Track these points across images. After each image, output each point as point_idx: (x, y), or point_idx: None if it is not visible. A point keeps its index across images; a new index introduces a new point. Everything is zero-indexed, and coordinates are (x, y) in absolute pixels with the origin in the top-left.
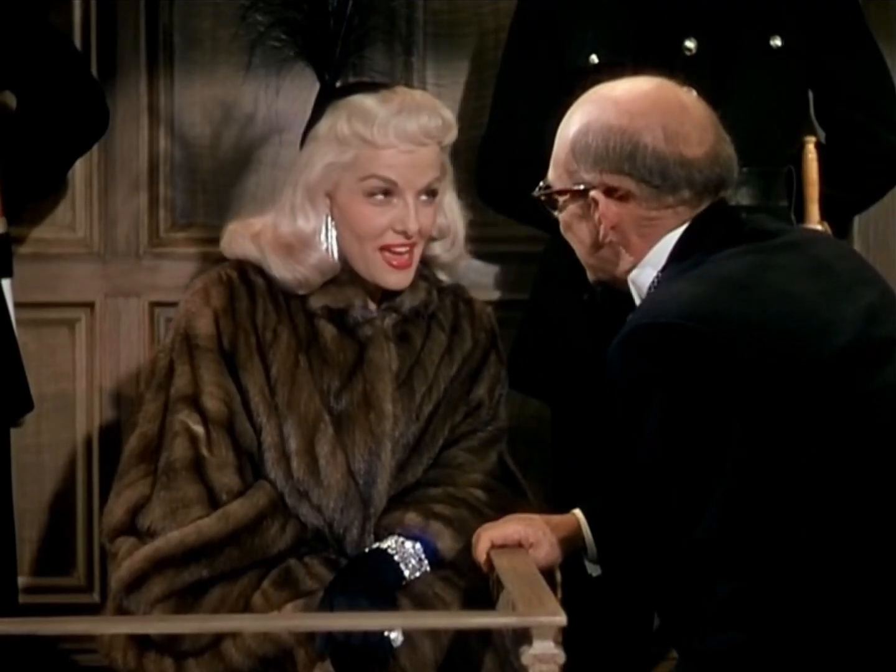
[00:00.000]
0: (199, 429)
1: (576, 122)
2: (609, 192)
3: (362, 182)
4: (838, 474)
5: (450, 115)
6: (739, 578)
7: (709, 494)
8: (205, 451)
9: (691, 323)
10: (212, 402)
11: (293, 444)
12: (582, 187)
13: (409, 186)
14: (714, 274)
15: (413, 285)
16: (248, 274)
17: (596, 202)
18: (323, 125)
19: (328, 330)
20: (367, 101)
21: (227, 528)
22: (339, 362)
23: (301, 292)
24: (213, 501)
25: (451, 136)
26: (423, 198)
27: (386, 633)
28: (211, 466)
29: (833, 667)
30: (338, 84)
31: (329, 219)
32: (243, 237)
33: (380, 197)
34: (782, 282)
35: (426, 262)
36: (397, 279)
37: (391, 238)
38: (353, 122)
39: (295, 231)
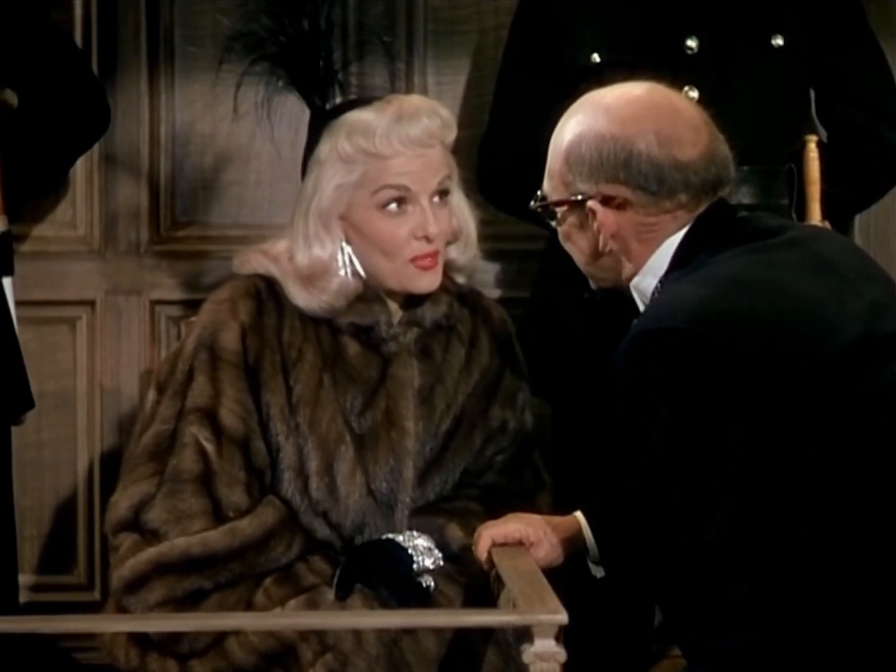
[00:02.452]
0: (209, 444)
1: (568, 131)
2: (606, 200)
3: (375, 195)
4: (843, 473)
5: (447, 114)
6: (750, 580)
7: (717, 496)
8: (215, 466)
9: (697, 326)
10: (230, 419)
11: (312, 465)
12: (579, 198)
13: (422, 190)
14: (717, 275)
15: (434, 298)
16: (275, 286)
17: (594, 212)
18: (323, 149)
19: (352, 347)
20: (363, 114)
21: (233, 544)
22: (364, 379)
23: (329, 317)
24: (218, 516)
25: (452, 133)
26: (437, 200)
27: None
28: (220, 482)
29: (842, 669)
30: (328, 106)
31: (344, 243)
32: (263, 257)
33: (394, 207)
34: (786, 280)
35: (444, 269)
36: (428, 281)
37: (416, 248)
38: (355, 139)
39: (312, 261)
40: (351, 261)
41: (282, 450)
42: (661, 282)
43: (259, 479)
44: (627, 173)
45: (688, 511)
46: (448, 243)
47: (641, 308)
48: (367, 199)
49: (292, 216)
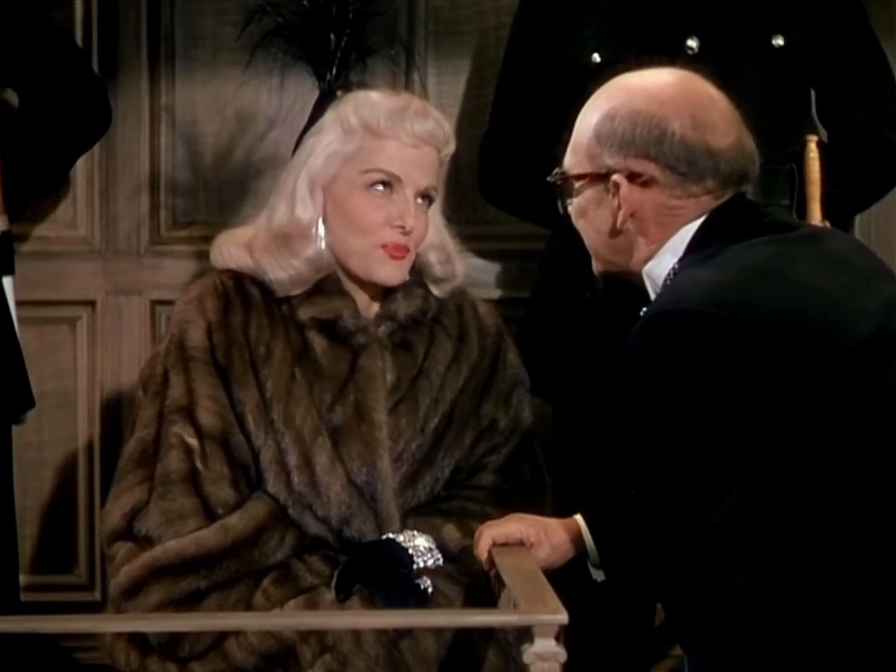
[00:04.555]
0: (193, 441)
1: (600, 107)
2: (632, 177)
3: (363, 175)
4: (852, 466)
5: (450, 129)
6: (757, 567)
7: (728, 481)
8: (199, 465)
9: (714, 310)
10: (206, 416)
11: (292, 460)
12: (604, 171)
13: (410, 182)
14: (736, 262)
15: (408, 292)
16: (244, 283)
17: (617, 186)
18: (328, 118)
19: (318, 342)
20: (373, 94)
21: (226, 541)
22: (332, 374)
23: (295, 292)
24: (210, 514)
25: (450, 148)
26: (420, 201)
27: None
28: (207, 480)
29: (848, 659)
30: (338, 92)
31: (321, 220)
32: (235, 247)
33: (379, 190)
34: (803, 273)
35: (421, 273)
36: (392, 272)
37: (389, 235)
38: (361, 111)
39: (292, 220)
40: (321, 239)
41: (262, 446)
42: (675, 268)
43: (244, 473)
44: (658, 151)
45: (696, 493)
46: (428, 249)
47: (652, 294)
48: (354, 175)
49: (281, 179)
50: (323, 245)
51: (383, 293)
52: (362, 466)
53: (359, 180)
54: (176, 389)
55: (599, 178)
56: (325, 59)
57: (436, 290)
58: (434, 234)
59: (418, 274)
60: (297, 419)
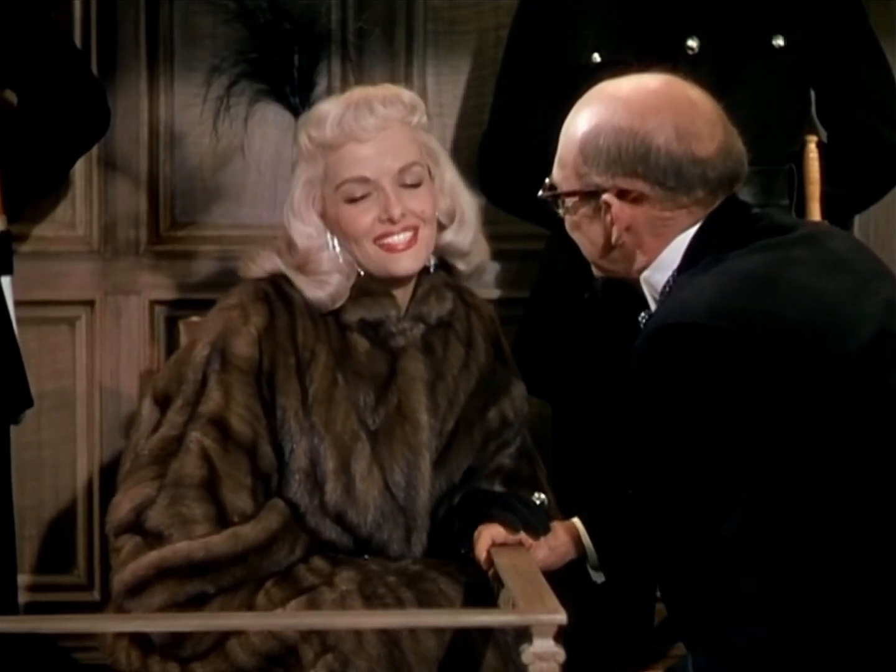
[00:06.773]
0: (214, 449)
1: (584, 122)
2: (622, 194)
3: (338, 191)
4: (858, 470)
5: (410, 97)
6: (764, 575)
7: (733, 491)
8: (220, 471)
9: (717, 322)
10: (239, 424)
11: (329, 465)
12: (593, 189)
13: (381, 174)
14: (735, 270)
15: (440, 294)
16: (282, 287)
17: (608, 205)
18: (296, 147)
19: (361, 343)
20: (322, 107)
21: (236, 549)
22: (373, 375)
23: (336, 306)
24: (222, 521)
25: (418, 115)
26: (406, 183)
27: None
28: (225, 487)
29: (850, 663)
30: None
31: (329, 235)
32: (269, 255)
33: (359, 197)
34: (803, 277)
35: (446, 262)
36: (406, 264)
37: (380, 228)
38: (310, 131)
39: (309, 248)
40: (342, 256)
41: (294, 452)
42: (673, 276)
43: (265, 483)
44: (646, 168)
45: (703, 506)
46: (442, 227)
47: (651, 302)
48: (331, 193)
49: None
50: (342, 259)
51: (412, 292)
52: (404, 468)
53: (337, 196)
54: (211, 396)
55: (589, 195)
56: (287, 88)
57: (462, 265)
58: (443, 199)
59: (447, 272)
60: (338, 423)
